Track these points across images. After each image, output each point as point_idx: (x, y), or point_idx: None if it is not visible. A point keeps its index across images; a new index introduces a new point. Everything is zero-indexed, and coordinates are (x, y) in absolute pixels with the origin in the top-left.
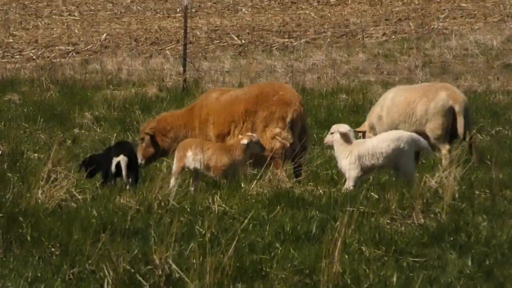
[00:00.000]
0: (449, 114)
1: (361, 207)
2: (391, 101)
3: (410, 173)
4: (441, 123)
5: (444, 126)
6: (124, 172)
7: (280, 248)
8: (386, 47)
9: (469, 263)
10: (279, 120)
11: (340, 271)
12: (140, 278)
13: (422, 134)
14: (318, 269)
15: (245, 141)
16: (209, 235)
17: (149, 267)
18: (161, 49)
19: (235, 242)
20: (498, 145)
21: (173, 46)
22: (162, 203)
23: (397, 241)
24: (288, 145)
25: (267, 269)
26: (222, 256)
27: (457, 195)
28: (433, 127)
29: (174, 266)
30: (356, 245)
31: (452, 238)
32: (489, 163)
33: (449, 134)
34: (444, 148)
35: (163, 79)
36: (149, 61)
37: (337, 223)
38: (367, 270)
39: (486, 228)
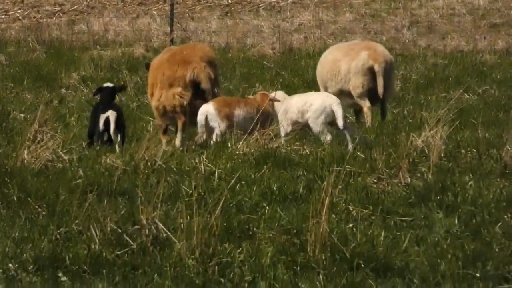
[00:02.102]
0: (369, 73)
1: (348, 167)
2: (324, 59)
3: (319, 136)
4: (361, 82)
5: (365, 85)
6: (112, 126)
7: (267, 208)
8: (373, 7)
9: (456, 222)
10: (179, 78)
11: (327, 230)
12: (127, 238)
13: (347, 91)
14: (305, 228)
15: None
16: (196, 195)
17: (136, 227)
18: (148, 9)
19: (222, 202)
20: (484, 104)
21: (160, 6)
22: (149, 163)
23: (384, 201)
24: (185, 103)
25: (254, 229)
26: (209, 216)
27: (443, 155)
28: (354, 85)
29: (161, 226)
30: (343, 204)
31: (438, 198)
32: (475, 122)
33: (371, 93)
34: (365, 106)
35: (150, 39)
36: (136, 21)
37: (324, 183)
38: (354, 229)
39: (473, 188)
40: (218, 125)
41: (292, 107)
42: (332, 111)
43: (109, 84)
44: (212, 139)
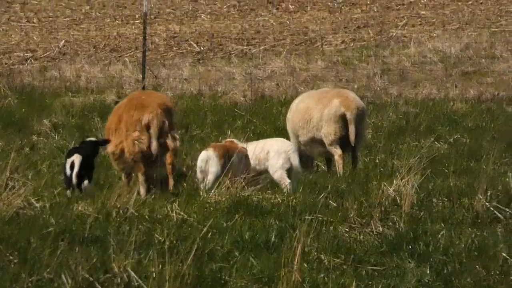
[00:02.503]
0: (341, 120)
1: (319, 216)
2: (295, 107)
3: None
4: (333, 129)
5: (337, 132)
6: (75, 170)
7: (239, 257)
8: (345, 55)
9: (428, 271)
10: (136, 123)
11: (299, 279)
12: (99, 287)
13: (319, 139)
14: (277, 277)
15: None
16: (168, 243)
17: (108, 275)
18: (120, 56)
19: (194, 250)
20: (456, 153)
21: (132, 53)
22: (121, 211)
23: (355, 250)
24: (145, 148)
25: (226, 278)
26: (181, 264)
27: (415, 203)
28: (326, 133)
29: (133, 274)
30: (315, 253)
31: (410, 247)
32: (447, 170)
33: (343, 140)
34: (337, 154)
35: (122, 86)
36: (108, 68)
37: (296, 231)
38: (326, 278)
39: (445, 237)
40: (217, 170)
41: (249, 154)
42: (289, 157)
43: (92, 139)
44: (206, 184)
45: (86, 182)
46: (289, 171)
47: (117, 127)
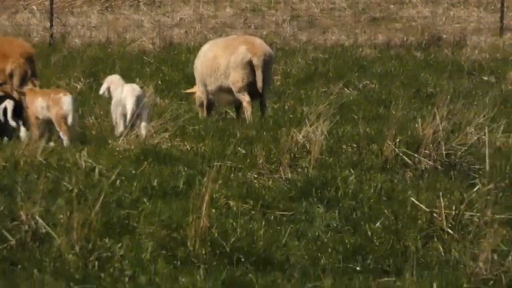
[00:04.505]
0: (248, 67)
1: (228, 162)
2: (203, 55)
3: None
4: (241, 76)
5: (244, 79)
6: (9, 114)
7: (148, 203)
8: (254, 1)
9: (337, 216)
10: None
11: (208, 225)
12: (7, 234)
13: (227, 87)
14: (185, 223)
15: None
16: (76, 191)
17: (15, 222)
18: (27, 4)
19: (102, 197)
20: (365, 99)
21: (39, 1)
22: (29, 160)
23: (264, 196)
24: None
25: (135, 224)
26: (89, 211)
27: (324, 150)
28: (234, 80)
29: (41, 221)
30: (224, 199)
31: (319, 193)
32: (356, 117)
33: (251, 87)
34: (245, 101)
35: (30, 35)
36: (15, 16)
37: (205, 178)
38: (234, 224)
39: (354, 182)
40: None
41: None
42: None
43: None
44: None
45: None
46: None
47: None
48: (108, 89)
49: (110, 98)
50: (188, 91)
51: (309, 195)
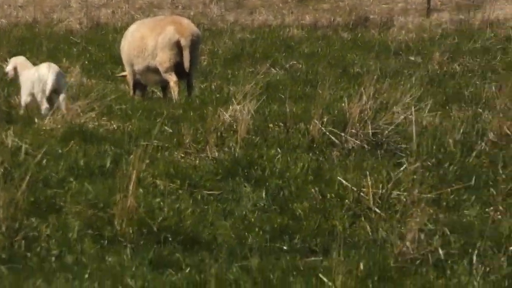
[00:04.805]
0: (176, 47)
1: (155, 141)
2: (130, 36)
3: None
4: (168, 56)
5: (171, 59)
6: None
7: (74, 183)
8: None
9: (264, 196)
10: None
11: (135, 204)
12: None
13: (154, 68)
14: (112, 203)
15: None
16: (2, 170)
17: None
18: None
19: (28, 176)
20: (292, 79)
21: None
22: None
23: (191, 175)
24: None
25: (61, 203)
26: (15, 190)
27: (251, 129)
28: (161, 60)
29: None
30: (151, 179)
31: (246, 172)
32: (283, 96)
33: (178, 67)
34: (172, 80)
35: None
36: None
37: (131, 157)
38: (161, 203)
39: (280, 161)
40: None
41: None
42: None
43: None
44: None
45: None
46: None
47: None
48: (15, 70)
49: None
50: (120, 74)
51: (236, 175)
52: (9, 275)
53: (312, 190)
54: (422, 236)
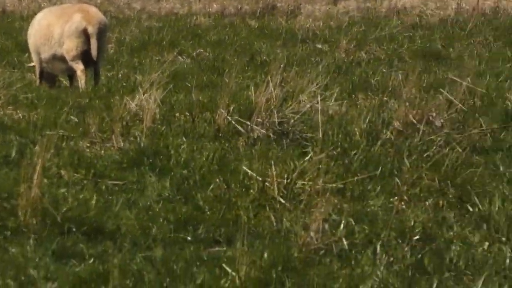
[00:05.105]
0: (83, 35)
1: (60, 131)
2: (37, 24)
3: None
4: (75, 45)
5: (78, 47)
6: None
7: None
8: None
9: (168, 185)
10: None
11: (39, 194)
12: None
13: (61, 56)
14: (16, 193)
15: None
16: None
17: None
18: None
19: None
20: (198, 67)
21: None
22: None
23: (96, 165)
24: None
25: None
26: None
27: (157, 118)
28: (68, 48)
29: None
30: (56, 169)
31: (151, 161)
32: (189, 85)
33: (85, 55)
34: (79, 69)
35: None
36: None
37: (36, 147)
38: (66, 193)
39: (186, 151)
40: None
41: None
42: None
43: None
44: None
45: None
46: None
47: None
48: None
49: None
50: (31, 64)
51: (141, 164)
52: None
53: (217, 179)
54: (327, 226)
